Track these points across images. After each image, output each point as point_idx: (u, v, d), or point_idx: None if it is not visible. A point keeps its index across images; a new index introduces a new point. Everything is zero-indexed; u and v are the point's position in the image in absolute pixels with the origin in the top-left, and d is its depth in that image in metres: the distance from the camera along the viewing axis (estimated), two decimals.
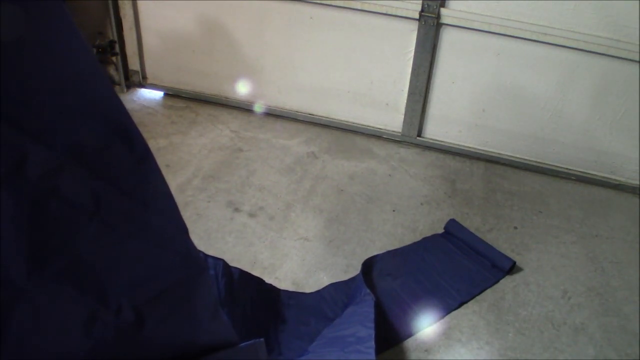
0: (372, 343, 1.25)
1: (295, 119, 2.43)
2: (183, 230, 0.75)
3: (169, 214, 0.73)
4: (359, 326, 1.32)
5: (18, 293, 0.58)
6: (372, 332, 1.29)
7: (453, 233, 1.83)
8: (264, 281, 1.56)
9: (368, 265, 1.67)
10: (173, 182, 1.99)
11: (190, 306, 0.78)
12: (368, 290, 1.49)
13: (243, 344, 0.88)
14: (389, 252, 1.75)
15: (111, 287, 0.67)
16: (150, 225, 0.71)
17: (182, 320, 0.77)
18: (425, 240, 1.82)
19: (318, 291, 1.59)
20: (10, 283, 0.57)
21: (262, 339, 0.91)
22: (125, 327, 0.69)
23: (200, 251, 1.23)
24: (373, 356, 1.21)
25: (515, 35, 1.99)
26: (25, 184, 0.56)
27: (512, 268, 1.72)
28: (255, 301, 1.48)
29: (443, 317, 1.55)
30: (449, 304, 1.59)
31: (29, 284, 0.58)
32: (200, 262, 0.78)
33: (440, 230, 1.87)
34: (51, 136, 0.58)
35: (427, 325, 1.52)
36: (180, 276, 0.74)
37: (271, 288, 1.56)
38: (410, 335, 1.49)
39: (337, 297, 1.57)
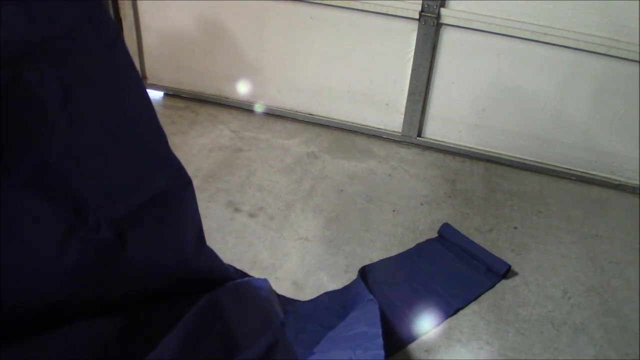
0: (381, 340, 1.24)
1: (295, 119, 2.43)
2: (161, 134, 0.68)
3: (144, 112, 0.66)
4: (366, 327, 1.32)
5: None
6: (380, 331, 1.28)
7: (447, 237, 1.82)
8: None
9: (362, 275, 1.65)
10: None
11: (175, 223, 0.71)
12: (371, 296, 1.48)
13: (247, 278, 0.80)
14: (382, 260, 1.73)
15: (87, 198, 0.61)
16: (124, 122, 0.63)
17: (167, 239, 0.70)
18: (419, 246, 1.80)
19: (313, 300, 1.58)
20: None
21: (265, 279, 0.86)
22: (106, 246, 0.63)
23: None
24: (382, 352, 1.21)
25: (515, 35, 1.99)
26: None
27: (507, 272, 1.71)
28: None
29: (440, 324, 1.54)
30: (446, 310, 1.58)
31: None
32: (183, 174, 0.71)
33: None
34: (11, 21, 0.51)
35: (423, 333, 1.51)
36: (161, 187, 0.67)
37: None
38: (407, 343, 1.48)
39: (331, 306, 1.56)
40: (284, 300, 1.55)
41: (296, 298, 1.58)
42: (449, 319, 1.56)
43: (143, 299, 0.70)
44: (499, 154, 2.27)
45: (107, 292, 0.67)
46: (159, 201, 0.68)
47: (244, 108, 2.47)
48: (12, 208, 0.54)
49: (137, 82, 0.65)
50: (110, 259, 0.64)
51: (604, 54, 1.95)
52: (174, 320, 0.66)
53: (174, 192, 0.69)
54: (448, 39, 2.08)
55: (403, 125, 2.31)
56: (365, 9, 2.09)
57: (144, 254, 0.68)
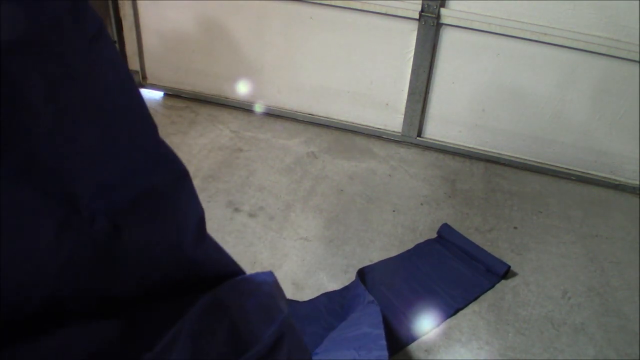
0: (384, 342, 1.24)
1: (295, 119, 2.43)
2: (152, 126, 0.67)
3: (132, 104, 0.65)
4: (368, 328, 1.31)
5: None
6: (382, 332, 1.28)
7: (446, 238, 1.82)
8: None
9: (361, 276, 1.65)
10: None
11: (171, 215, 0.70)
12: (372, 298, 1.48)
13: (251, 273, 0.79)
14: (381, 261, 1.73)
15: (79, 190, 0.60)
16: (112, 116, 0.62)
17: (163, 230, 0.69)
18: (418, 246, 1.80)
19: (311, 300, 1.57)
20: None
21: (271, 271, 0.84)
22: (101, 238, 0.62)
23: None
24: (386, 353, 1.21)
25: (515, 35, 1.99)
26: None
27: (506, 273, 1.71)
28: None
29: (439, 324, 1.54)
30: (445, 310, 1.58)
31: None
32: (178, 166, 0.69)
33: None
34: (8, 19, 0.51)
35: (423, 334, 1.51)
36: (155, 179, 0.67)
37: None
38: (407, 344, 1.47)
39: (330, 306, 1.55)
40: None
41: (296, 298, 1.58)
42: (449, 319, 1.56)
43: (141, 293, 0.68)
44: (499, 154, 2.27)
45: (104, 284, 0.65)
46: (154, 193, 0.67)
47: (244, 108, 2.47)
48: (4, 200, 0.53)
49: (124, 76, 0.63)
50: (106, 251, 0.63)
51: (604, 54, 1.95)
52: (174, 320, 0.66)
53: (169, 184, 0.68)
54: (448, 39, 2.08)
55: (403, 125, 2.31)
56: (365, 9, 2.09)
57: (140, 246, 0.67)
